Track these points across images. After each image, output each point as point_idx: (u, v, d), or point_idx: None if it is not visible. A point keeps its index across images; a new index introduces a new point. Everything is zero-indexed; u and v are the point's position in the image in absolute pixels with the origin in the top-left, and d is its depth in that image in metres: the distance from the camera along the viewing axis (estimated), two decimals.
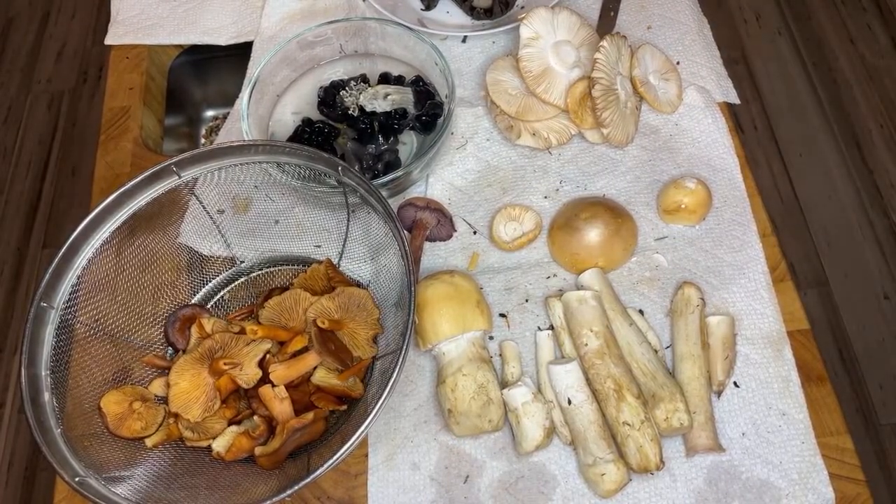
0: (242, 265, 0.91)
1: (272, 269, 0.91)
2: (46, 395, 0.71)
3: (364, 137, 0.96)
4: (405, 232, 0.90)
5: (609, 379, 0.76)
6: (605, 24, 1.06)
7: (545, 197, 0.94)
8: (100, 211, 0.77)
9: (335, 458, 0.65)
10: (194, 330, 0.81)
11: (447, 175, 0.97)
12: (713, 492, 0.76)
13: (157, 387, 0.79)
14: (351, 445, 0.66)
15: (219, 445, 0.75)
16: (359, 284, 0.87)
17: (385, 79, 1.01)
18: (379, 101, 0.97)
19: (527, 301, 0.87)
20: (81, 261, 0.77)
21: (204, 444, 0.76)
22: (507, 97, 0.97)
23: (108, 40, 1.15)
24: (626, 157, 0.96)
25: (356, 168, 0.88)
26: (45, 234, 2.06)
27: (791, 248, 1.87)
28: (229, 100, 1.12)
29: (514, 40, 1.07)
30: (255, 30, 1.13)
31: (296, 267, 0.91)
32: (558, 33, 0.97)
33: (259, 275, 0.91)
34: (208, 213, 0.87)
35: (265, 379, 0.76)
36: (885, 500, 1.56)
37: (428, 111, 0.97)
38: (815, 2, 2.26)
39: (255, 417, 0.77)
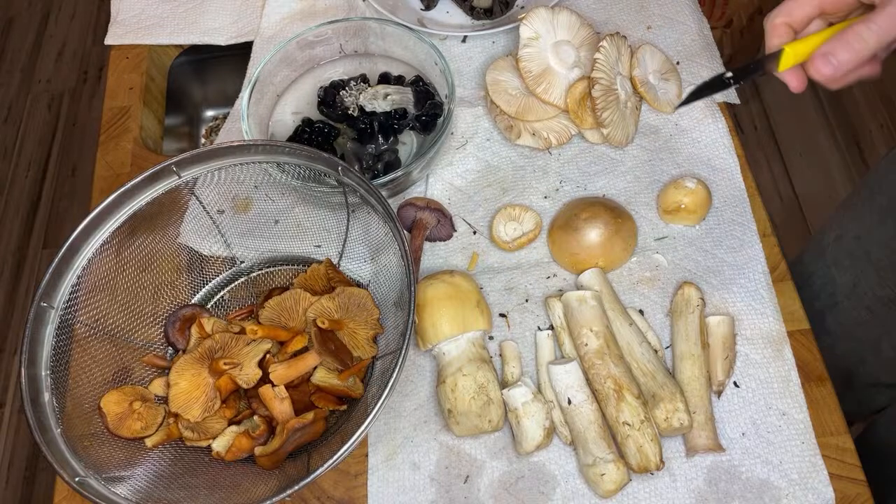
0: (242, 265, 0.91)
1: (272, 269, 0.91)
2: (46, 395, 0.71)
3: (364, 137, 0.96)
4: (405, 232, 0.90)
5: (609, 379, 0.76)
6: None
7: (545, 197, 0.94)
8: (100, 211, 0.77)
9: (335, 458, 0.65)
10: (194, 330, 0.81)
11: (447, 175, 0.97)
12: (713, 492, 0.76)
13: (157, 387, 0.79)
14: (351, 445, 0.66)
15: (219, 445, 0.75)
16: (359, 284, 0.87)
17: (385, 79, 1.02)
18: (379, 101, 0.97)
19: (527, 301, 0.87)
20: (81, 261, 0.77)
21: (204, 444, 0.76)
22: (506, 97, 0.97)
23: (108, 40, 1.15)
24: (626, 157, 0.96)
25: (356, 168, 0.88)
26: (45, 234, 2.06)
27: (791, 248, 1.86)
28: (229, 100, 1.12)
29: (514, 40, 1.07)
30: (255, 30, 1.13)
31: (296, 267, 0.91)
32: (558, 33, 0.97)
33: (259, 275, 0.91)
34: (208, 213, 0.87)
35: (265, 379, 0.76)
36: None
37: (428, 111, 0.97)
38: None
39: (255, 417, 0.77)
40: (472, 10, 1.10)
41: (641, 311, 0.86)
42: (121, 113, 1.08)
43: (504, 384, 0.81)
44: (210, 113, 1.31)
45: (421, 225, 0.90)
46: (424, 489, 0.78)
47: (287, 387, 0.76)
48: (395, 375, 0.68)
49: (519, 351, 0.83)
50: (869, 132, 2.01)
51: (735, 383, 0.81)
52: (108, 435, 0.74)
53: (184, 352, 0.81)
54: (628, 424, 0.75)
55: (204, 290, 0.89)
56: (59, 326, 0.74)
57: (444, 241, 0.92)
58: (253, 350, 0.77)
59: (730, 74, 0.63)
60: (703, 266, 0.88)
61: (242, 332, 0.79)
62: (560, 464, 0.78)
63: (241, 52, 1.12)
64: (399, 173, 0.88)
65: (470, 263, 0.91)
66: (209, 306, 0.89)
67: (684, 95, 0.77)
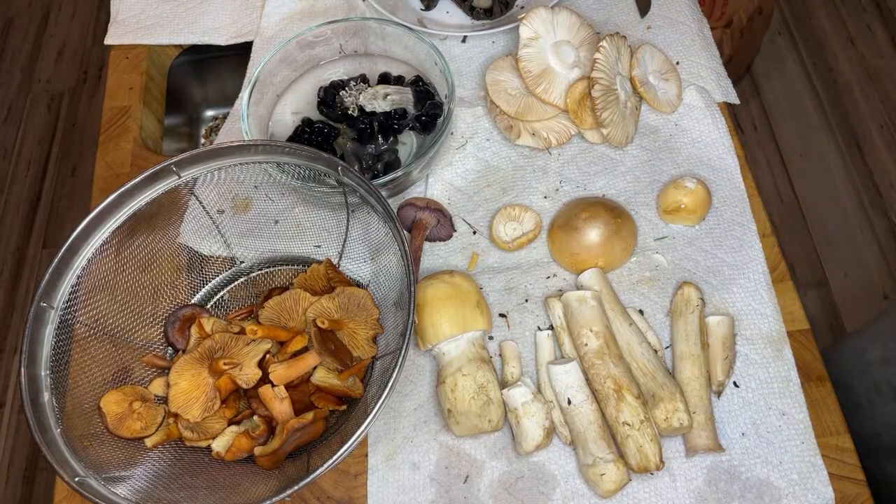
0: (242, 265, 0.91)
1: (272, 269, 0.91)
2: (46, 395, 0.71)
3: (364, 137, 0.96)
4: (405, 232, 0.90)
5: (609, 379, 0.76)
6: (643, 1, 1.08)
7: (545, 197, 0.94)
8: (99, 211, 0.77)
9: (335, 458, 0.65)
10: (194, 330, 0.81)
11: (447, 175, 0.97)
12: (713, 492, 0.76)
13: (156, 387, 0.79)
14: (351, 445, 0.66)
15: (218, 445, 0.75)
16: (359, 284, 0.87)
17: (385, 79, 1.02)
18: (378, 101, 0.97)
19: (526, 301, 0.87)
20: (81, 261, 0.77)
21: (204, 444, 0.76)
22: (506, 97, 0.97)
23: (108, 40, 1.15)
24: (626, 157, 0.96)
25: (356, 168, 0.88)
26: (45, 234, 2.06)
27: (791, 248, 1.87)
28: (229, 100, 1.12)
29: (514, 40, 1.07)
30: (255, 30, 1.13)
31: (295, 267, 0.91)
32: (558, 33, 0.97)
33: (259, 275, 0.91)
34: (208, 213, 0.87)
35: (265, 379, 0.76)
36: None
37: (427, 111, 0.97)
38: (815, 2, 2.26)
39: (255, 417, 0.77)
40: (471, 11, 1.10)
41: (641, 311, 0.86)
42: (121, 113, 1.08)
43: (504, 384, 0.81)
44: (210, 113, 1.31)
45: (421, 225, 0.90)
46: (424, 489, 0.78)
47: (287, 387, 0.76)
48: (394, 375, 0.68)
49: (519, 351, 0.83)
50: (869, 132, 2.01)
51: (735, 383, 0.81)
52: (108, 435, 0.74)
53: (183, 352, 0.81)
54: (628, 424, 0.75)
55: (204, 290, 0.89)
56: (58, 326, 0.74)
57: (444, 241, 0.92)
58: (253, 350, 0.77)
59: None
60: (702, 266, 0.88)
61: (242, 332, 0.79)
62: (560, 464, 0.78)
63: (240, 52, 1.12)
64: (399, 173, 0.88)
65: (470, 263, 0.91)
66: (209, 306, 0.89)
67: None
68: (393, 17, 1.04)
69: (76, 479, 0.67)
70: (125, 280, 0.81)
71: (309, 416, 0.74)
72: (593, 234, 0.86)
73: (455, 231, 0.93)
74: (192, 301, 0.88)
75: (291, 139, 0.97)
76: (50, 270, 0.74)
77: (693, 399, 0.78)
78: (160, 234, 0.84)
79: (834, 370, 0.81)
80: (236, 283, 0.91)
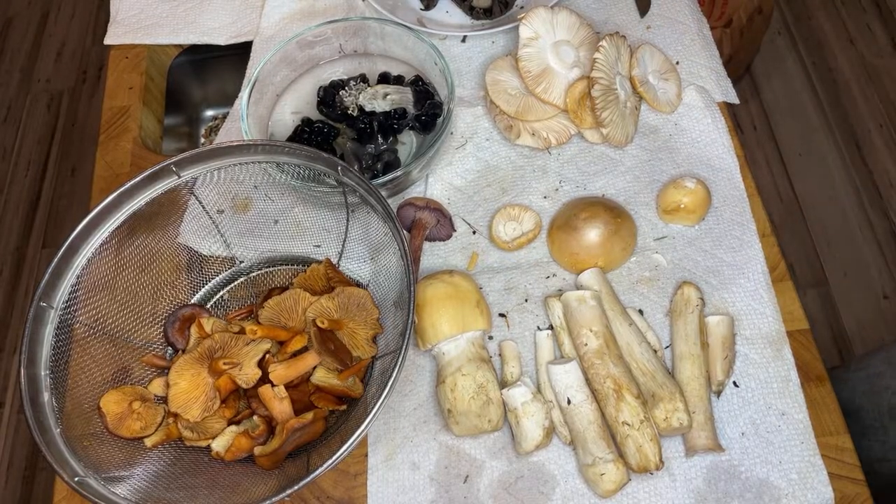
0: (242, 265, 0.91)
1: (272, 268, 0.91)
2: (46, 395, 0.71)
3: (363, 137, 0.96)
4: (405, 232, 0.90)
5: (608, 379, 0.76)
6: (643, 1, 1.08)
7: (544, 197, 0.94)
8: (99, 211, 0.77)
9: (335, 457, 0.65)
10: (194, 330, 0.81)
11: (447, 175, 0.97)
12: (712, 491, 0.76)
13: (156, 387, 0.79)
14: (350, 445, 0.66)
15: (218, 445, 0.75)
16: (358, 284, 0.87)
17: (384, 78, 1.02)
18: (378, 100, 0.97)
19: (526, 301, 0.87)
20: (81, 261, 0.77)
21: (203, 444, 0.76)
22: (506, 97, 0.97)
23: (108, 40, 1.15)
24: (626, 157, 0.96)
25: (355, 168, 0.88)
26: (45, 233, 2.06)
27: (790, 248, 1.87)
28: (229, 99, 1.12)
29: (514, 40, 1.07)
30: (255, 29, 1.13)
31: (295, 267, 0.91)
32: (557, 33, 0.97)
33: (258, 274, 0.91)
34: (208, 212, 0.87)
35: (265, 379, 0.76)
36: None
37: (427, 111, 0.97)
38: (815, 2, 2.26)
39: (255, 417, 0.77)
40: (471, 10, 1.10)
41: (641, 311, 0.86)
42: (120, 113, 1.08)
43: (503, 384, 0.81)
44: (209, 113, 1.31)
45: (420, 225, 0.90)
46: (424, 489, 0.78)
47: (287, 387, 0.76)
48: (394, 375, 0.68)
49: (518, 351, 0.83)
50: (868, 132, 2.01)
51: (735, 383, 0.81)
52: (108, 435, 0.74)
53: (183, 352, 0.81)
54: (628, 424, 0.75)
55: (203, 289, 0.89)
56: (58, 326, 0.74)
57: (444, 240, 0.92)
58: (252, 350, 0.77)
59: None
60: (702, 266, 0.88)
61: (242, 331, 0.79)
62: (559, 464, 0.78)
63: (240, 52, 1.12)
64: (398, 173, 0.88)
65: (469, 263, 0.91)
66: (209, 306, 0.89)
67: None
68: (392, 17, 1.04)
69: (76, 478, 0.67)
70: (125, 280, 0.81)
71: (309, 415, 0.74)
72: (593, 234, 0.86)
73: (455, 231, 0.93)
74: (192, 301, 0.88)
75: (291, 139, 0.97)
76: (49, 270, 0.74)
77: (693, 399, 0.78)
78: (160, 233, 0.84)
79: (842, 390, 0.81)
80: (236, 282, 0.91)
